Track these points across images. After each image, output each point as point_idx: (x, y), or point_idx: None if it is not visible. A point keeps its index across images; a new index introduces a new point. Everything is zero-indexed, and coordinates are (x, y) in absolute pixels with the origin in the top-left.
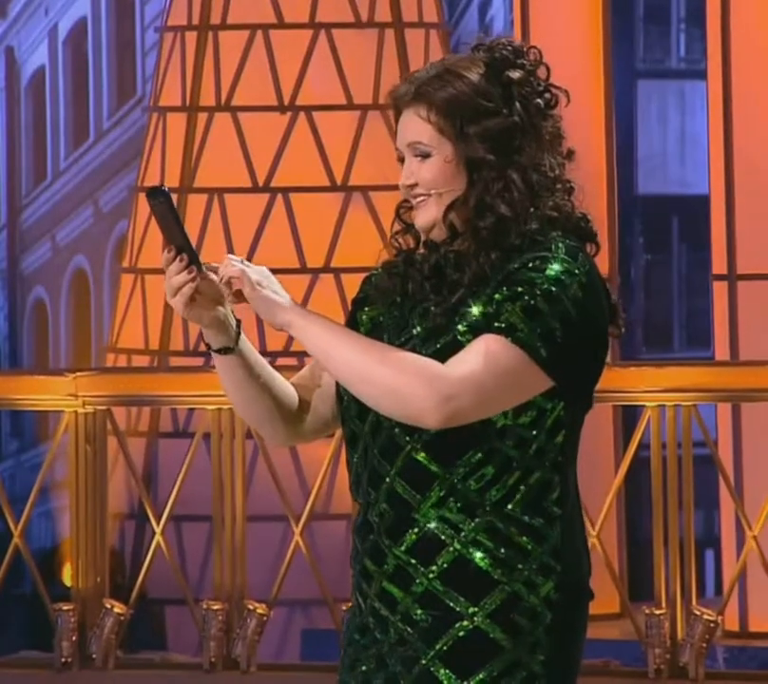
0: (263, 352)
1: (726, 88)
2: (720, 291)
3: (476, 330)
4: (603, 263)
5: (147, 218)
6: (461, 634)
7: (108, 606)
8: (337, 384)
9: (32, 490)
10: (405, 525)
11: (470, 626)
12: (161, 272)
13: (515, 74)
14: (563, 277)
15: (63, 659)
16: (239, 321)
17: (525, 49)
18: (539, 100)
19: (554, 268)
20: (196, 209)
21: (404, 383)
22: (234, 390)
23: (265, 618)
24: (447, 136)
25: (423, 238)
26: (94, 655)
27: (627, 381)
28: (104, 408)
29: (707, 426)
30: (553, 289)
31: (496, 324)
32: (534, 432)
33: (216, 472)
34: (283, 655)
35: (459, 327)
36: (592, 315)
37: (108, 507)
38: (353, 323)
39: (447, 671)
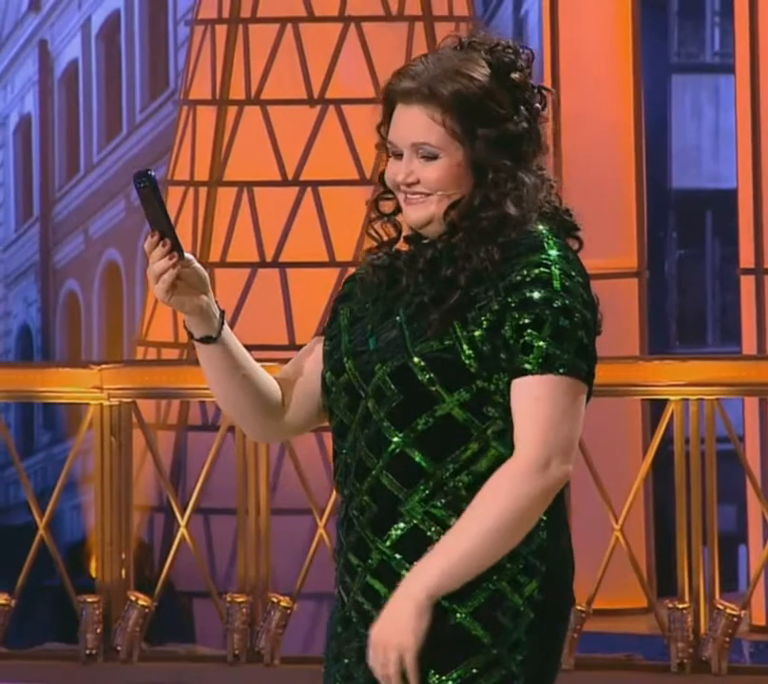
0: (249, 346)
1: (754, 83)
2: (747, 285)
3: (484, 360)
4: (631, 257)
5: (177, 213)
6: (443, 629)
7: (133, 598)
8: (323, 375)
9: (57, 483)
10: (390, 520)
11: (452, 622)
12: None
13: (517, 77)
14: (568, 284)
15: (87, 651)
16: (222, 311)
17: (520, 50)
18: (538, 104)
19: (555, 275)
20: (225, 202)
21: (518, 503)
22: (215, 381)
23: (289, 611)
24: (458, 139)
25: (406, 233)
26: (119, 647)
27: (652, 375)
28: (129, 400)
29: (735, 420)
30: (567, 301)
31: (530, 360)
32: None
33: (240, 465)
34: (310, 648)
35: (465, 350)
36: (594, 308)
37: (136, 500)
38: (334, 319)
39: (426, 665)
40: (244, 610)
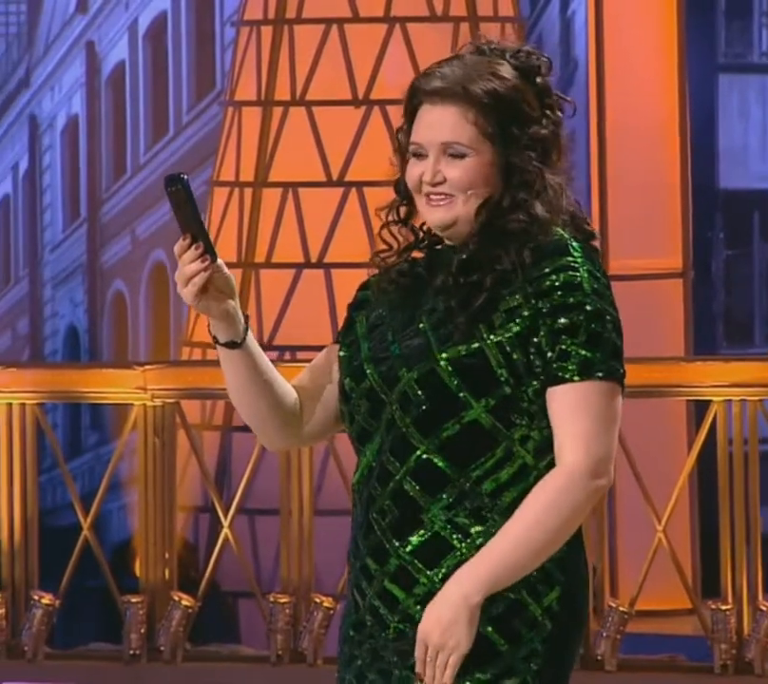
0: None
1: None
2: None
3: (513, 367)
4: (676, 257)
5: (222, 213)
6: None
7: (176, 598)
8: (341, 382)
9: (101, 483)
10: (411, 526)
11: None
12: (235, 265)
13: (541, 81)
14: (596, 286)
15: (131, 651)
16: (246, 316)
17: (540, 56)
18: (559, 111)
19: (585, 278)
20: (270, 203)
21: (567, 511)
22: (237, 386)
23: (332, 612)
24: (490, 138)
25: (421, 235)
26: (162, 648)
27: (695, 376)
28: (172, 401)
29: None
30: (598, 305)
31: (568, 368)
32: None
33: (283, 466)
34: None
35: (494, 356)
36: (617, 308)
37: (181, 501)
38: (350, 327)
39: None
40: (287, 610)
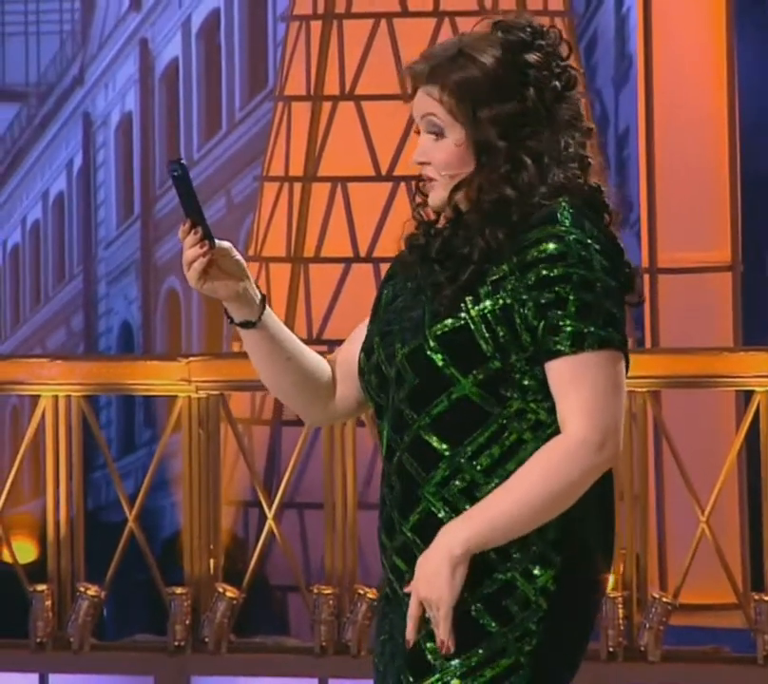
0: None
1: None
2: None
3: (498, 341)
4: (725, 251)
5: (272, 208)
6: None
7: (221, 590)
8: (359, 358)
9: (146, 476)
10: (411, 502)
11: (462, 608)
12: (284, 260)
13: (532, 57)
14: (584, 253)
15: (176, 643)
16: (264, 296)
17: (544, 30)
18: (556, 82)
19: (571, 247)
20: (319, 198)
21: (568, 477)
22: (261, 365)
23: (376, 603)
24: (458, 119)
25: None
26: (206, 639)
27: (738, 366)
28: (216, 392)
29: None
30: (585, 273)
31: (560, 342)
32: (552, 416)
33: (327, 460)
34: None
35: (480, 330)
36: (618, 270)
37: (231, 495)
38: (379, 300)
39: (434, 648)
40: (331, 602)
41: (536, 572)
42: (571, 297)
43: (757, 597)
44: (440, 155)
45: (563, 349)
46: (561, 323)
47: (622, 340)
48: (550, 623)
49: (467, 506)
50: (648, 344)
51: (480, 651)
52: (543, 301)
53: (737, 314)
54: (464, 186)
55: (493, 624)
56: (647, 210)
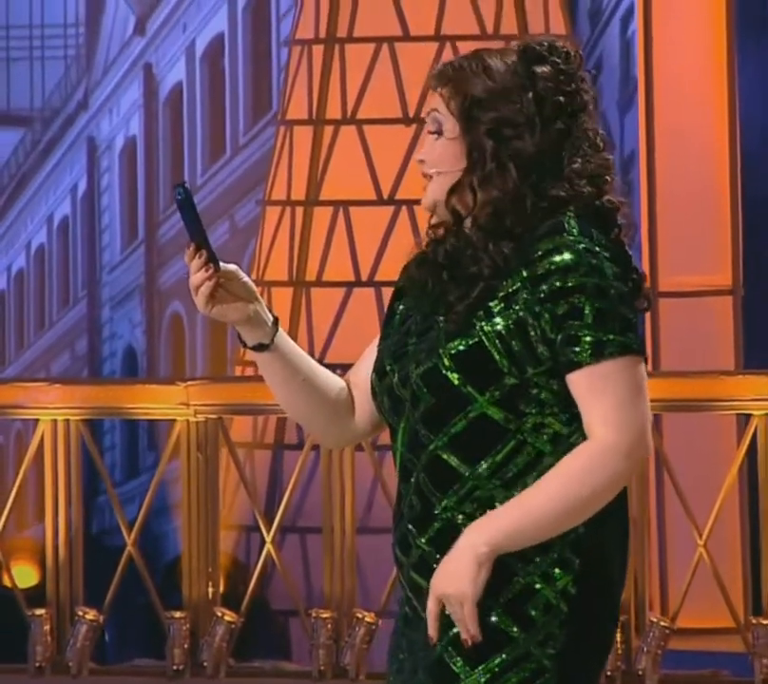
0: None
1: None
2: None
3: (514, 356)
4: (726, 274)
5: (274, 232)
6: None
7: (219, 614)
8: (371, 380)
9: (145, 500)
10: (429, 518)
11: (483, 614)
12: (286, 284)
13: (541, 69)
14: (594, 262)
15: (175, 667)
16: (276, 318)
17: (565, 51)
18: (561, 97)
19: (582, 257)
20: (321, 222)
21: (599, 482)
22: (277, 388)
23: (374, 627)
24: (454, 114)
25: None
26: (205, 663)
27: (735, 390)
28: (215, 416)
29: None
30: (598, 281)
31: (580, 352)
32: (570, 428)
33: (325, 484)
34: None
35: (495, 347)
36: (627, 276)
37: (233, 519)
38: (391, 313)
39: (457, 657)
40: (330, 626)
41: (555, 574)
42: (587, 307)
43: (755, 620)
44: (435, 150)
45: (584, 359)
46: (579, 333)
47: (640, 344)
48: (573, 626)
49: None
50: (649, 367)
51: (504, 656)
52: (559, 313)
53: (738, 338)
54: (458, 189)
55: (515, 629)
56: (648, 233)
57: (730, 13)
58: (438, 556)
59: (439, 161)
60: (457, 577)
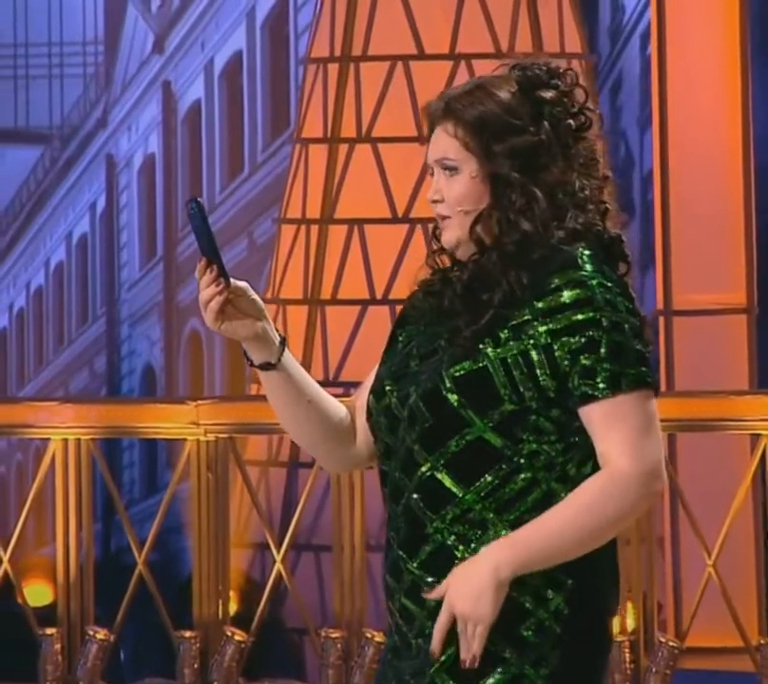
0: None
1: None
2: None
3: (514, 384)
4: (740, 293)
5: (289, 250)
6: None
7: (229, 633)
8: (367, 401)
9: (157, 517)
10: (419, 541)
11: None
12: (301, 302)
13: (547, 94)
14: (609, 297)
15: None
16: (283, 338)
17: (561, 71)
18: (571, 121)
19: (596, 291)
20: (336, 240)
21: (617, 509)
22: (280, 409)
23: (383, 647)
24: (473, 152)
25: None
26: (215, 682)
27: (747, 409)
28: (225, 436)
29: None
30: (613, 316)
31: (595, 385)
32: (565, 457)
33: (335, 502)
34: None
35: (498, 373)
36: (637, 310)
37: (246, 538)
38: (393, 341)
39: (450, 681)
40: (339, 645)
41: (547, 595)
42: (603, 340)
43: (764, 640)
44: (455, 189)
45: (600, 392)
46: (596, 366)
47: (654, 377)
48: (566, 647)
49: (478, 541)
50: (664, 387)
51: (497, 677)
52: (574, 347)
53: (752, 357)
54: (483, 219)
55: (507, 651)
56: (662, 252)
57: (744, 32)
58: (430, 580)
59: (462, 200)
60: (481, 600)
